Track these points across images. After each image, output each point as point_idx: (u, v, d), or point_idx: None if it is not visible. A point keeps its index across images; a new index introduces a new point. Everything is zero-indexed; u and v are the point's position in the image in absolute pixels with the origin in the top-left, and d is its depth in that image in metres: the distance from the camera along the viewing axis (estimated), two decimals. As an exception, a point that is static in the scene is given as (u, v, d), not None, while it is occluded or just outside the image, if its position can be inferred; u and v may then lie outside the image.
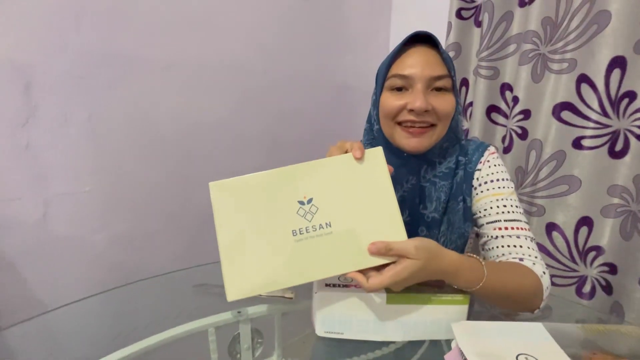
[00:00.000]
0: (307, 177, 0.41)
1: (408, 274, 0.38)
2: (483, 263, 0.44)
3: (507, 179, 0.58)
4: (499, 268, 0.47)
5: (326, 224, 0.39)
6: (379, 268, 0.40)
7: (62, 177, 0.82)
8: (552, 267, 0.97)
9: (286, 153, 1.20)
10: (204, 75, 1.00)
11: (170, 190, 0.99)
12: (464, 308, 0.41)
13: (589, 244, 0.92)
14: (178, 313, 0.50)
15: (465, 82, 1.15)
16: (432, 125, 0.54)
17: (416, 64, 0.53)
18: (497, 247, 0.53)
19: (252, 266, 0.38)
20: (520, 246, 0.52)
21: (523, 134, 0.99)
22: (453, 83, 0.54)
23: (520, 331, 0.35)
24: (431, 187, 0.59)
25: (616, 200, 0.87)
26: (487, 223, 0.56)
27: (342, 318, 0.42)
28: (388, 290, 0.41)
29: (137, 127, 0.91)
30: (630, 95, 0.82)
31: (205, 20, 0.97)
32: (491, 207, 0.56)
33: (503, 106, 1.06)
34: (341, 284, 0.44)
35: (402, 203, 0.58)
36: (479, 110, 1.08)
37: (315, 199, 0.40)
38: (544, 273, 0.50)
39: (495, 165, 0.59)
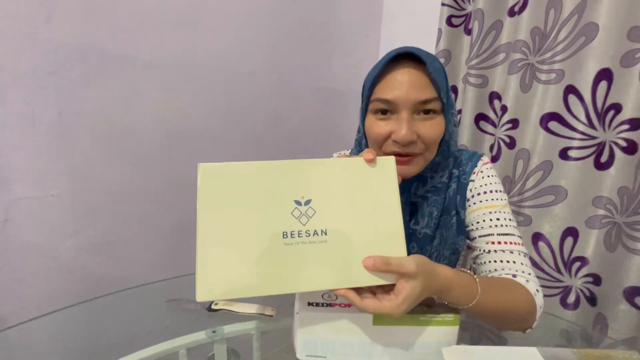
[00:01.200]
0: (310, 175, 0.37)
1: (414, 299, 0.35)
2: (477, 279, 0.42)
3: (500, 191, 0.56)
4: (493, 285, 0.45)
5: (322, 231, 0.35)
6: (372, 289, 0.37)
7: (26, 179, 0.76)
8: (538, 277, 0.97)
9: (273, 157, 1.16)
10: (188, 75, 0.95)
11: (146, 194, 0.93)
12: (455, 329, 0.39)
13: (574, 255, 0.92)
14: (148, 332, 0.46)
15: (454, 90, 1.15)
16: (420, 153, 0.51)
17: (401, 87, 0.48)
18: (490, 261, 0.51)
19: (231, 265, 0.34)
20: (514, 262, 0.50)
21: (511, 143, 0.99)
22: (443, 104, 0.50)
23: (514, 357, 0.33)
24: (423, 202, 0.56)
25: (601, 212, 0.87)
26: (480, 236, 0.54)
27: (325, 340, 0.39)
28: None
29: (112, 127, 0.85)
30: (616, 108, 0.83)
31: (191, 17, 0.93)
32: (484, 220, 0.54)
33: (491, 115, 1.06)
34: (325, 302, 0.41)
35: None
36: (467, 118, 1.08)
37: (314, 201, 0.36)
38: (538, 291, 0.48)
39: (488, 177, 0.57)
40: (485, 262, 0.52)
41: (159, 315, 0.48)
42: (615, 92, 0.82)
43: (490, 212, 0.54)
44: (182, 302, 0.50)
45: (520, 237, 0.53)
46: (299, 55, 1.17)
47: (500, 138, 1.00)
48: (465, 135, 1.09)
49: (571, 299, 0.93)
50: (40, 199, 0.79)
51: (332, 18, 1.24)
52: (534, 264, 0.97)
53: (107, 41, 0.82)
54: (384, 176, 0.38)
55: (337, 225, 0.36)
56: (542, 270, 0.96)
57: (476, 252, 0.55)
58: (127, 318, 0.51)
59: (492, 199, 0.55)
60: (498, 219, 0.53)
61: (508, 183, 1.01)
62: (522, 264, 0.50)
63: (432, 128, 0.50)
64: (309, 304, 0.40)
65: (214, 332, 0.44)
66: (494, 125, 1.05)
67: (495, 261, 0.51)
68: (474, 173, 0.57)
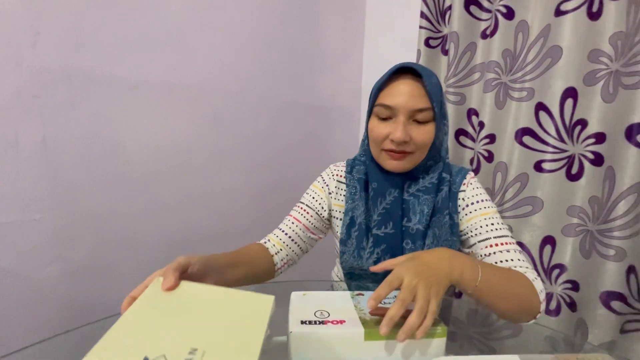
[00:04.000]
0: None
1: (401, 261, 0.44)
2: (476, 260, 0.49)
3: (489, 199, 0.64)
4: (493, 266, 0.51)
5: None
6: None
7: (8, 204, 0.74)
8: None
9: (261, 174, 1.17)
10: (174, 96, 0.96)
11: (131, 217, 0.92)
12: (442, 340, 0.41)
13: (553, 262, 0.96)
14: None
15: (434, 106, 1.20)
16: (411, 152, 0.59)
17: (400, 95, 0.57)
18: (491, 263, 0.57)
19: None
20: (512, 259, 0.56)
21: (489, 157, 1.04)
22: (435, 114, 0.58)
23: (499, 366, 0.35)
24: (415, 201, 0.63)
25: (575, 220, 0.92)
26: (479, 242, 0.60)
27: (318, 357, 0.40)
28: (366, 326, 0.40)
29: (97, 150, 0.85)
30: (582, 123, 0.89)
31: (176, 39, 0.95)
32: (481, 227, 0.60)
33: (470, 130, 1.11)
34: (318, 320, 0.42)
35: (386, 216, 0.63)
36: (448, 134, 1.13)
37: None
38: (536, 278, 0.53)
39: (477, 188, 0.65)
40: None
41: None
42: (581, 109, 0.89)
43: (485, 219, 0.60)
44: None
45: (512, 236, 0.60)
46: (284, 74, 1.20)
47: (479, 152, 1.05)
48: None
49: (553, 305, 0.97)
50: (21, 223, 0.77)
51: (316, 38, 1.28)
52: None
53: (92, 64, 0.82)
54: (257, 312, 0.37)
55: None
56: (525, 278, 1.00)
57: (477, 257, 0.60)
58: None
59: (485, 207, 0.62)
60: (492, 224, 0.60)
61: (489, 195, 1.05)
62: (519, 259, 0.56)
63: (423, 133, 0.58)
64: (302, 322, 0.41)
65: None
66: (473, 139, 1.10)
67: (495, 262, 0.57)
68: (464, 184, 0.64)
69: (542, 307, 0.51)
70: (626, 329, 0.85)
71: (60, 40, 0.77)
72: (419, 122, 0.58)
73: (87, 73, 0.81)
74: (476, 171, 1.06)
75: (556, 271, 0.96)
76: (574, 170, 0.91)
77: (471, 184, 0.65)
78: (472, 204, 0.63)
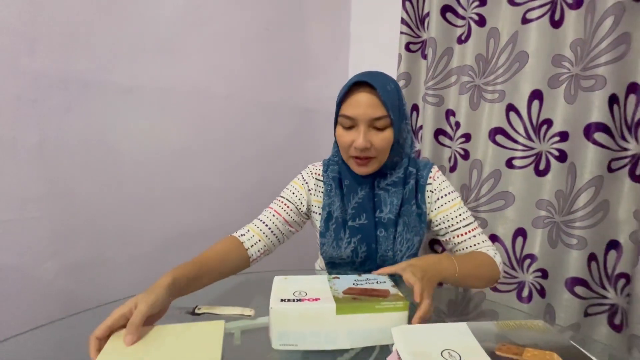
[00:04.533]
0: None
1: (412, 265, 0.52)
2: (451, 255, 0.62)
3: (454, 191, 0.73)
4: (462, 255, 0.67)
5: None
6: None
7: (5, 203, 0.78)
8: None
9: (248, 173, 1.22)
10: (166, 100, 1.01)
11: (125, 214, 0.96)
12: (405, 313, 0.46)
13: (525, 252, 1.03)
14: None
15: (415, 108, 1.26)
16: (374, 157, 0.67)
17: (359, 107, 0.63)
18: (464, 249, 0.70)
19: None
20: (478, 243, 0.69)
21: (465, 155, 1.11)
22: (391, 120, 0.64)
23: (447, 331, 0.40)
24: (385, 194, 0.70)
25: (543, 213, 0.99)
26: (451, 231, 0.71)
27: (296, 330, 0.45)
28: (338, 302, 0.45)
29: (92, 151, 0.89)
30: (548, 123, 0.96)
31: (168, 46, 1.00)
32: (452, 218, 0.70)
33: (448, 129, 1.18)
34: (295, 298, 0.47)
35: (359, 209, 0.71)
36: (428, 133, 1.19)
37: None
38: (496, 254, 0.68)
39: (443, 181, 0.73)
40: (459, 250, 0.71)
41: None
42: (546, 109, 0.96)
43: (455, 210, 0.71)
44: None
45: (475, 220, 0.72)
46: (272, 78, 1.25)
47: (456, 150, 1.12)
48: (427, 148, 1.20)
49: (525, 292, 1.03)
50: (19, 221, 0.80)
51: (303, 44, 1.34)
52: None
53: (88, 69, 0.86)
54: (210, 338, 0.43)
55: None
56: (499, 268, 1.07)
57: (449, 245, 0.72)
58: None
59: (452, 199, 0.72)
60: (460, 215, 0.71)
61: (465, 190, 1.12)
62: (483, 241, 0.70)
63: (382, 139, 0.65)
64: (282, 300, 0.46)
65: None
66: (451, 138, 1.16)
67: (465, 248, 0.70)
68: (431, 177, 0.73)
69: (501, 274, 0.67)
70: (589, 312, 0.92)
71: (56, 47, 0.81)
72: (378, 129, 0.65)
73: (82, 78, 0.86)
74: (453, 168, 1.13)
75: (527, 261, 1.03)
76: (542, 167, 0.98)
77: (437, 177, 0.73)
78: (442, 197, 0.72)
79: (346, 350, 0.46)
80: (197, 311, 0.55)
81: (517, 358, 0.35)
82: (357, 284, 0.51)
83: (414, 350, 0.36)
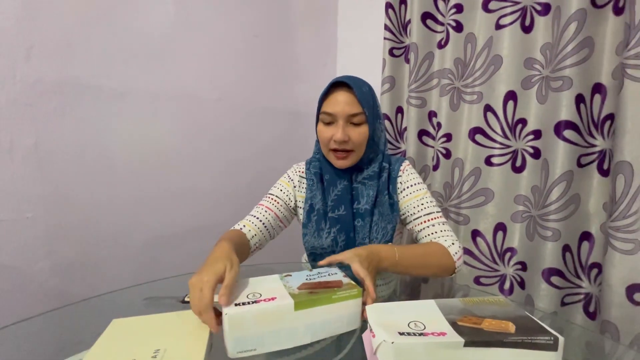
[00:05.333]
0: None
1: (357, 254, 0.54)
2: (393, 245, 0.66)
3: (421, 183, 0.78)
4: (408, 246, 0.67)
5: None
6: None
7: (1, 203, 0.80)
8: (479, 268, 1.12)
9: (238, 175, 1.26)
10: (158, 104, 1.05)
11: (119, 216, 0.99)
12: (359, 300, 0.48)
13: (505, 246, 1.08)
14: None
15: (400, 110, 1.31)
16: (352, 150, 0.73)
17: (337, 104, 0.70)
18: (423, 237, 0.74)
19: None
20: (435, 232, 0.72)
21: (447, 154, 1.16)
22: (366, 117, 0.71)
23: (416, 306, 0.44)
24: (362, 187, 0.76)
25: (521, 208, 1.04)
26: (413, 220, 0.75)
27: (254, 334, 0.42)
28: (295, 298, 0.45)
29: (86, 154, 0.92)
30: (522, 122, 1.02)
31: (160, 52, 1.03)
32: (414, 207, 0.75)
33: (431, 130, 1.23)
34: (250, 300, 0.44)
35: (338, 201, 0.76)
36: (412, 134, 1.24)
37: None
38: (453, 244, 0.69)
39: (412, 174, 0.79)
40: (420, 238, 0.75)
41: (137, 312, 0.53)
42: (520, 109, 1.01)
43: (418, 199, 0.74)
44: (159, 299, 0.57)
45: (439, 210, 0.75)
46: (262, 83, 1.30)
47: (439, 150, 1.17)
48: (411, 148, 1.25)
49: (506, 285, 1.08)
50: (14, 221, 0.83)
51: (292, 49, 1.39)
52: (475, 257, 1.11)
53: (82, 74, 0.90)
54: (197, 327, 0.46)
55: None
56: (482, 262, 1.11)
57: (414, 234, 0.75)
58: (105, 317, 0.54)
59: (418, 190, 0.76)
60: (422, 204, 0.75)
61: (448, 188, 1.17)
62: (441, 230, 0.72)
63: (359, 133, 0.72)
64: (236, 304, 0.43)
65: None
66: (433, 138, 1.21)
67: (426, 235, 0.73)
68: (401, 170, 0.78)
69: (458, 264, 0.68)
70: (566, 301, 0.97)
71: (52, 53, 0.85)
72: (355, 125, 0.71)
73: (77, 83, 0.89)
74: (436, 167, 1.18)
75: (508, 254, 1.07)
76: (518, 163, 1.04)
77: (407, 170, 0.79)
78: (408, 187, 0.77)
79: (305, 347, 0.45)
80: (186, 299, 0.58)
81: (475, 326, 0.39)
82: (310, 279, 0.51)
83: (384, 323, 0.40)
